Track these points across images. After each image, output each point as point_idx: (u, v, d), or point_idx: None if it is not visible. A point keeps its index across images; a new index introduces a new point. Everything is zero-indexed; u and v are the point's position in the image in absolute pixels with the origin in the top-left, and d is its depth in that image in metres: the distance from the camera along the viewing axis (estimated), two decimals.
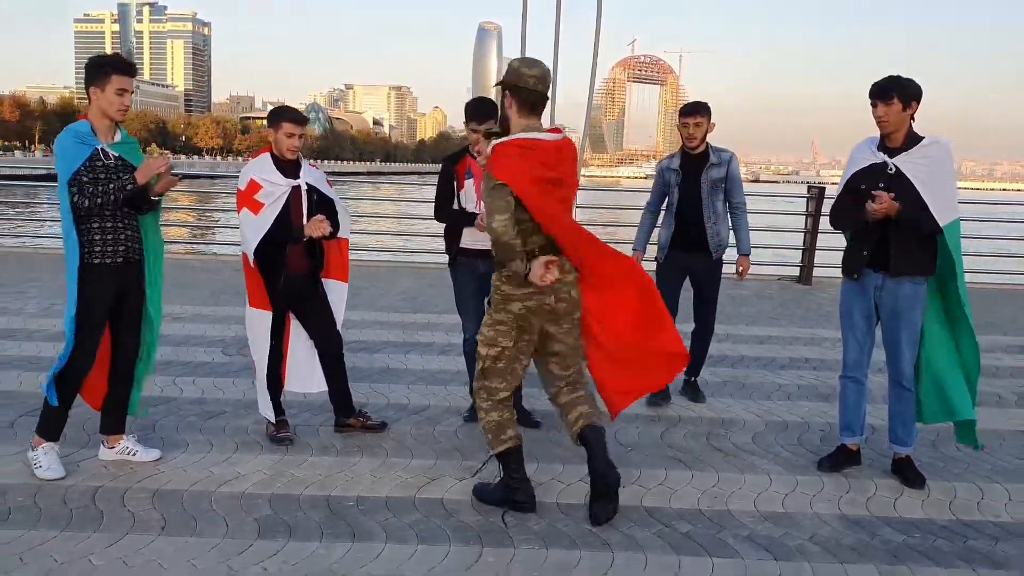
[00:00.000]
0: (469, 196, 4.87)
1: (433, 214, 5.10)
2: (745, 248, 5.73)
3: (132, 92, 4.21)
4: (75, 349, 4.04)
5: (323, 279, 4.89)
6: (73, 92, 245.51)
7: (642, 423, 5.35)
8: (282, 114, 4.64)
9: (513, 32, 12.81)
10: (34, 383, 5.60)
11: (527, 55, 11.22)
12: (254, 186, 4.54)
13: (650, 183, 6.19)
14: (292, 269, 4.66)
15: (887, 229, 4.34)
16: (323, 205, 4.76)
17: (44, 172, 44.41)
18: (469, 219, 4.87)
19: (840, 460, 4.68)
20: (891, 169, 4.31)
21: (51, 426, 4.19)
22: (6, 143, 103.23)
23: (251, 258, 4.54)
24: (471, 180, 4.84)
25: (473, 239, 4.90)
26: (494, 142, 3.76)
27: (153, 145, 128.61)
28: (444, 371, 6.36)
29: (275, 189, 4.55)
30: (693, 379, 5.87)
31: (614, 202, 34.64)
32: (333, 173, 48.47)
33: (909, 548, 3.75)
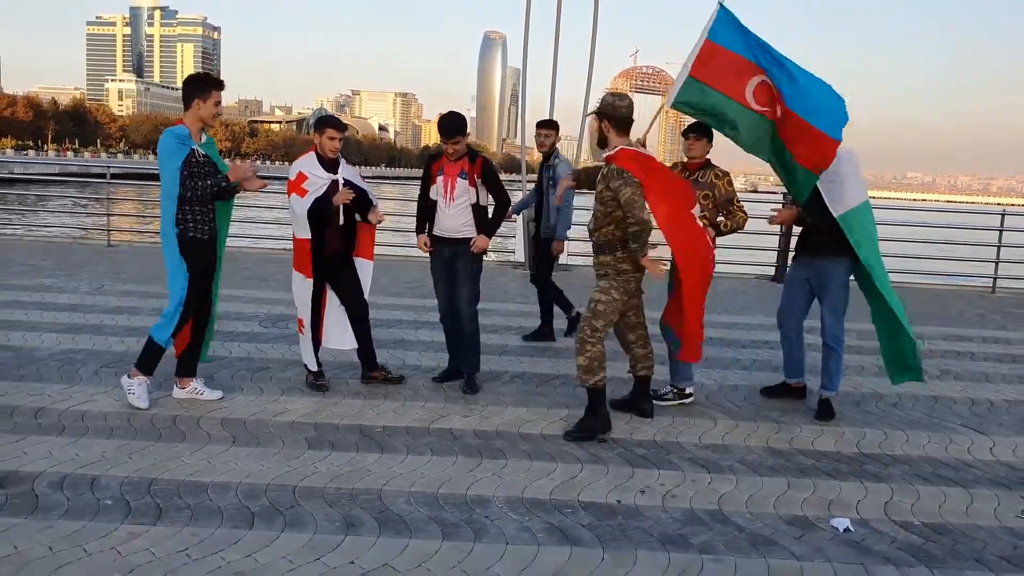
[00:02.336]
0: (438, 190, 5.87)
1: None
2: (559, 234, 7.46)
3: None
4: (185, 304, 5.11)
5: (354, 257, 5.95)
6: (84, 93, 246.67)
7: (616, 384, 6.39)
8: (326, 121, 5.72)
9: (517, 41, 13.86)
10: (103, 343, 6.68)
11: (527, 63, 12.28)
12: (302, 177, 5.62)
13: None
14: (330, 247, 5.72)
15: (800, 222, 5.75)
16: (357, 196, 5.83)
17: (57, 169, 45.48)
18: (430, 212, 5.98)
19: (779, 392, 6.14)
20: None
21: (150, 363, 5.24)
22: (19, 143, 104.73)
23: (306, 233, 5.61)
24: (441, 177, 5.85)
25: (441, 228, 5.91)
26: (605, 153, 5.18)
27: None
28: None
29: (318, 180, 5.63)
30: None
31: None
32: None
33: (816, 469, 4.80)
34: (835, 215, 5.37)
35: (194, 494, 4.01)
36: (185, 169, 5.07)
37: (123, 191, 20.64)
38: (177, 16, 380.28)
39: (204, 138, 5.26)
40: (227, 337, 7.21)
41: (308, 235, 5.63)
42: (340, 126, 5.75)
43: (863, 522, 4.10)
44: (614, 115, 5.16)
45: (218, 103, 5.20)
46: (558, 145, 7.48)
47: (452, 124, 5.72)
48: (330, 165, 5.70)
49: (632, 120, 5.25)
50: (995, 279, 13.23)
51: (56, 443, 4.58)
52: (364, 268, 6.03)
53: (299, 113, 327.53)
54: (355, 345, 6.01)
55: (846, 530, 3.98)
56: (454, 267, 5.97)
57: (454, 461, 4.61)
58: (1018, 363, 7.83)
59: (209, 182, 5.13)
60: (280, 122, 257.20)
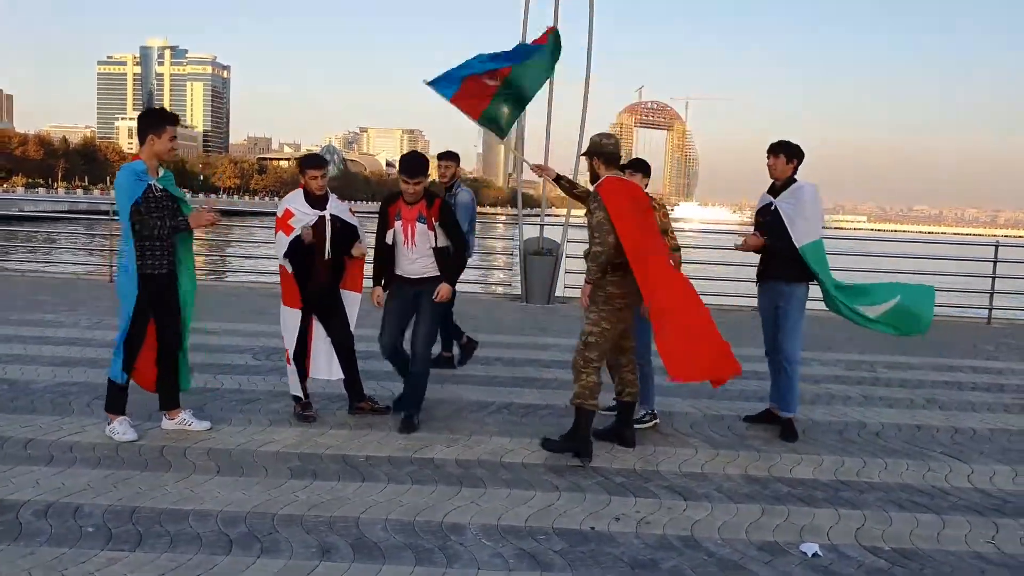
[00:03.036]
0: (398, 233, 5.78)
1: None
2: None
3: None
4: (131, 335, 5.22)
5: (341, 290, 6.07)
6: (95, 132, 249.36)
7: (599, 416, 6.46)
8: (306, 161, 5.90)
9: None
10: (98, 376, 6.79)
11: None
12: (288, 214, 5.76)
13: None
14: (317, 279, 5.85)
15: (765, 250, 6.00)
16: (345, 231, 5.96)
17: (66, 207, 45.77)
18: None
19: (763, 419, 6.27)
20: (772, 206, 5.95)
21: (117, 402, 5.34)
22: (30, 180, 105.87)
23: (288, 267, 5.74)
24: (400, 222, 5.77)
25: (403, 270, 5.87)
26: (597, 185, 5.42)
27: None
28: (438, 374, 7.50)
29: (304, 217, 5.76)
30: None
31: None
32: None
33: (791, 496, 4.86)
34: (797, 246, 5.76)
35: (175, 521, 4.10)
36: (142, 205, 5.17)
37: None
38: (187, 55, 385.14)
39: (161, 172, 5.36)
40: (220, 370, 7.31)
41: (291, 269, 5.77)
42: (320, 164, 5.90)
43: (832, 547, 4.16)
44: (602, 152, 5.51)
45: (173, 138, 5.30)
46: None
47: (416, 162, 5.72)
48: (318, 201, 5.84)
49: (619, 155, 5.62)
50: (990, 310, 13.29)
51: (43, 472, 4.67)
52: (351, 301, 6.15)
53: (307, 150, 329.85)
54: (341, 375, 6.11)
55: (815, 555, 4.04)
56: (416, 305, 5.90)
57: (433, 490, 4.69)
58: (1005, 392, 7.88)
59: (169, 223, 5.23)
60: (289, 159, 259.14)
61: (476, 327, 10.27)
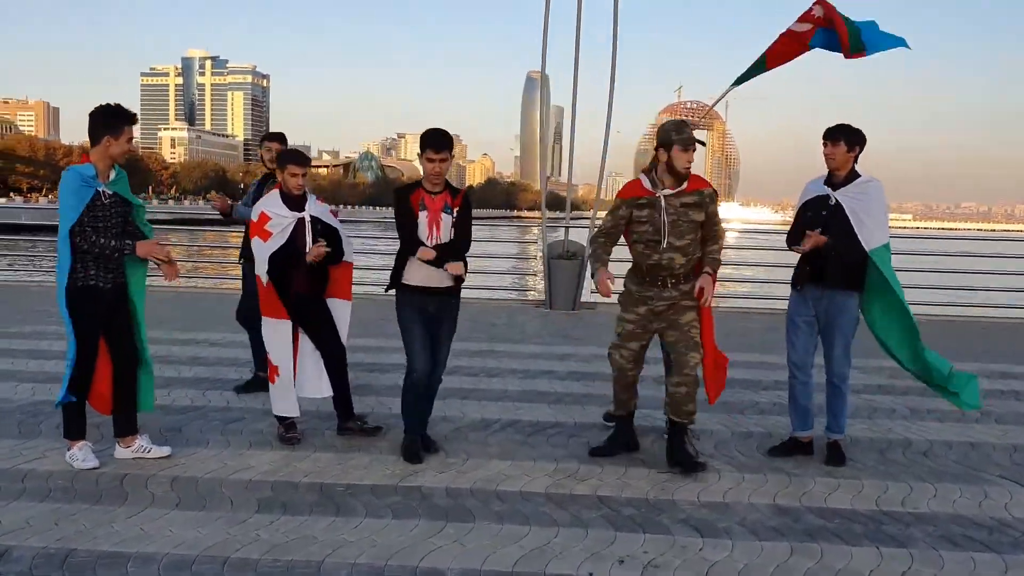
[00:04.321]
0: (421, 227, 4.98)
1: (402, 247, 5.11)
2: None
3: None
4: (79, 358, 4.74)
5: (328, 298, 5.55)
6: (137, 141, 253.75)
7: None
8: (288, 158, 5.36)
9: (560, 81, 13.57)
10: None
11: (577, 103, 11.98)
12: (264, 218, 5.26)
13: None
14: (297, 288, 5.33)
15: (826, 251, 5.06)
16: (327, 234, 5.44)
17: None
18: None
19: (789, 448, 5.41)
20: (832, 200, 5.11)
21: (73, 427, 4.87)
22: None
23: (264, 278, 5.24)
24: (424, 212, 4.97)
25: (422, 278, 5.02)
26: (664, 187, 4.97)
27: (213, 192, 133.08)
28: (443, 388, 6.95)
29: (282, 220, 5.26)
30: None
31: None
32: (385, 218, 49.56)
33: (825, 530, 4.23)
34: (867, 248, 5.03)
35: (111, 567, 3.59)
36: (87, 215, 4.65)
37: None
38: (227, 65, 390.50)
39: (114, 174, 4.83)
40: (210, 385, 6.84)
41: (266, 280, 5.27)
42: (302, 161, 5.38)
43: None
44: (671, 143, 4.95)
45: (130, 139, 4.81)
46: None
47: (442, 133, 4.98)
48: (296, 203, 5.33)
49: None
50: None
51: None
52: (340, 309, 5.63)
53: (346, 157, 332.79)
54: (331, 393, 5.58)
55: None
56: (437, 324, 5.16)
57: (415, 526, 4.13)
58: None
59: (114, 243, 4.70)
60: (327, 166, 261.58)
61: (494, 335, 9.76)
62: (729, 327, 9.24)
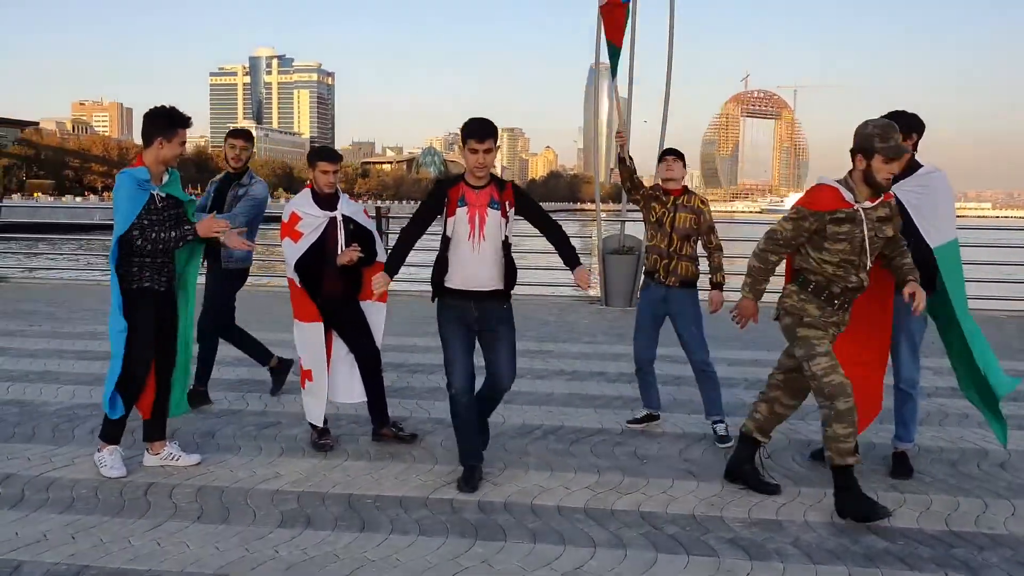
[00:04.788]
0: (461, 223, 4.48)
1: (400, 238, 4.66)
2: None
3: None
4: (130, 362, 4.60)
5: (361, 300, 5.35)
6: (208, 140, 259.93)
7: (665, 440, 5.57)
8: (318, 154, 5.18)
9: (623, 72, 13.16)
10: None
11: (632, 93, 11.62)
12: (295, 218, 5.08)
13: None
14: (327, 290, 5.15)
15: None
16: (360, 235, 5.25)
17: None
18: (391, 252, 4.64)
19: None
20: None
21: (111, 433, 4.75)
22: None
23: (296, 279, 5.07)
24: (464, 208, 4.49)
25: (464, 280, 4.53)
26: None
27: (280, 190, 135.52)
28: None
29: (313, 220, 5.08)
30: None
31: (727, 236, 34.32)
32: None
33: (888, 553, 3.87)
34: (932, 246, 4.58)
35: None
36: (144, 218, 4.56)
37: None
38: (293, 64, 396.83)
39: (167, 176, 4.73)
40: (250, 387, 6.73)
41: (299, 281, 5.09)
42: (334, 158, 5.20)
43: None
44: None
45: (183, 143, 4.68)
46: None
47: (486, 123, 4.49)
48: (327, 201, 5.15)
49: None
50: None
51: (3, 518, 4.10)
52: (375, 312, 5.43)
53: (409, 153, 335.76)
54: (364, 398, 5.39)
55: None
56: (486, 331, 4.67)
57: (441, 543, 3.90)
58: None
59: (173, 234, 4.60)
60: (391, 162, 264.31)
61: (544, 334, 9.50)
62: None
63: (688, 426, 5.86)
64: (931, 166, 4.73)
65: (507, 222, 4.56)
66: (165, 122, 4.62)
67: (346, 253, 5.06)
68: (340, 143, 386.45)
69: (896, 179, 4.61)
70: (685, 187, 5.60)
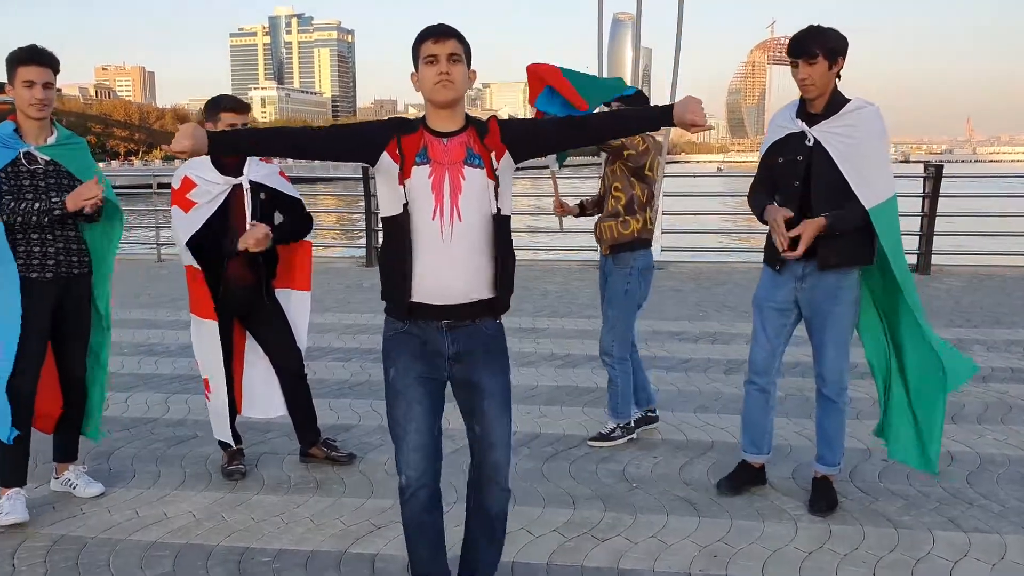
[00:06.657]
0: (421, 193, 2.64)
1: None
2: None
3: (53, 85, 3.73)
4: (12, 374, 3.59)
5: (278, 288, 4.30)
6: None
7: (664, 451, 4.52)
8: (220, 103, 4.06)
9: (648, 23, 12.08)
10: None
11: (644, 43, 10.44)
12: (188, 184, 4.00)
13: None
14: (233, 277, 4.08)
15: (812, 213, 3.58)
16: (277, 205, 4.19)
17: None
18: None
19: (742, 479, 4.01)
20: (809, 140, 3.59)
21: (10, 467, 3.74)
22: (167, 153, 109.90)
23: (188, 261, 4.01)
24: (425, 167, 2.66)
25: (428, 287, 2.67)
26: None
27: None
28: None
29: (211, 188, 3.99)
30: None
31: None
32: None
33: None
34: (866, 207, 3.48)
35: None
36: (3, 183, 3.56)
37: None
38: (313, 23, 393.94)
39: (55, 136, 3.70)
40: (183, 385, 5.73)
41: (197, 264, 4.01)
42: (240, 107, 4.08)
43: None
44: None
45: (31, 83, 3.56)
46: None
47: (440, 24, 2.73)
48: (230, 166, 4.05)
49: None
50: None
51: None
52: (297, 302, 4.38)
53: None
54: (283, 412, 4.37)
55: None
56: (464, 380, 2.84)
57: None
58: None
59: (37, 206, 3.58)
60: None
61: (540, 307, 8.44)
62: None
63: (691, 430, 4.81)
64: (859, 99, 3.58)
65: (498, 185, 2.68)
66: (6, 65, 3.61)
67: (249, 234, 3.97)
68: (362, 101, 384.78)
69: (816, 119, 3.58)
70: None
